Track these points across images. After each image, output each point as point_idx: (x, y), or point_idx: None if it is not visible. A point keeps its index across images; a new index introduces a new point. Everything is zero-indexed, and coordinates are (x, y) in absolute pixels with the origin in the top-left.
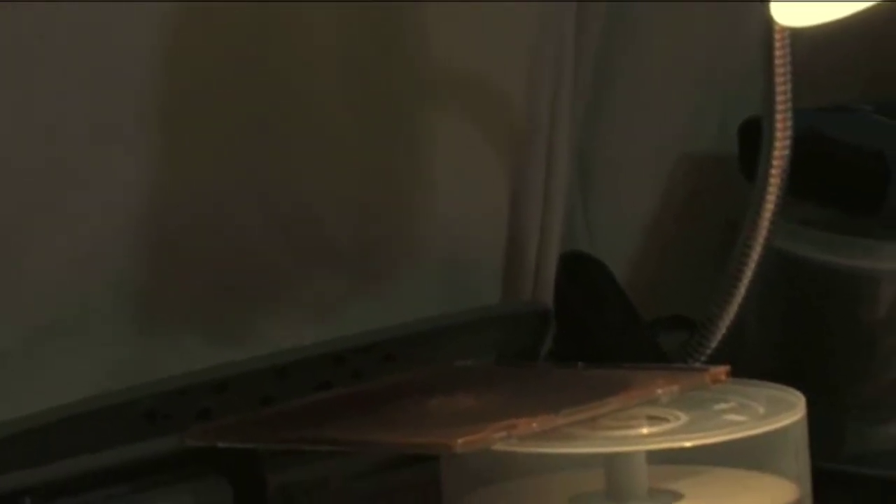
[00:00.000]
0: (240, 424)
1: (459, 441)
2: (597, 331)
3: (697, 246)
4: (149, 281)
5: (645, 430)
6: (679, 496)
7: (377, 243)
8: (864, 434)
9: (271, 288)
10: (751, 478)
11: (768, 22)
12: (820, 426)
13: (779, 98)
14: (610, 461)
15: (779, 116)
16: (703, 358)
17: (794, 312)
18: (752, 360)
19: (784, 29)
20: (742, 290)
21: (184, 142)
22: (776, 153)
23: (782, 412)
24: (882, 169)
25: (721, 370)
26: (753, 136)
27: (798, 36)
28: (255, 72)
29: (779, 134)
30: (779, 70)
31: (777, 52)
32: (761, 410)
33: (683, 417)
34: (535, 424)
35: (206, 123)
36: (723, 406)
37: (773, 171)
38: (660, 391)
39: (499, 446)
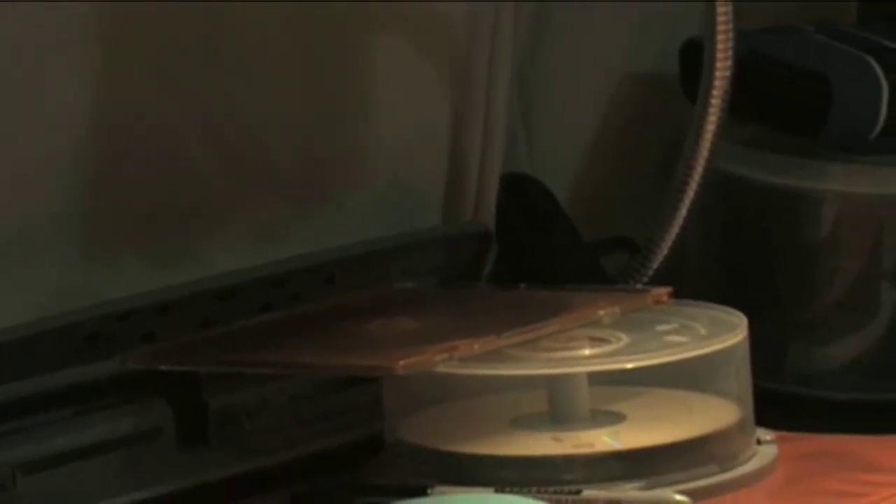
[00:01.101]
0: (181, 347)
1: (401, 363)
2: (538, 252)
3: (639, 167)
4: (91, 204)
5: (587, 352)
6: (621, 417)
7: (318, 166)
8: (806, 355)
9: (213, 211)
10: (693, 399)
11: None
12: (762, 347)
13: (720, 19)
14: (552, 383)
15: (720, 37)
16: (644, 279)
17: (737, 233)
18: (695, 281)
19: None
20: (684, 210)
21: (126, 65)
22: (717, 74)
23: (724, 333)
24: (824, 90)
25: (663, 291)
26: (695, 57)
27: None
28: None
29: (720, 55)
30: None
31: None
32: (703, 331)
33: (625, 339)
34: (476, 346)
35: (149, 47)
36: (665, 327)
37: (715, 93)
38: (601, 312)
39: (440, 368)
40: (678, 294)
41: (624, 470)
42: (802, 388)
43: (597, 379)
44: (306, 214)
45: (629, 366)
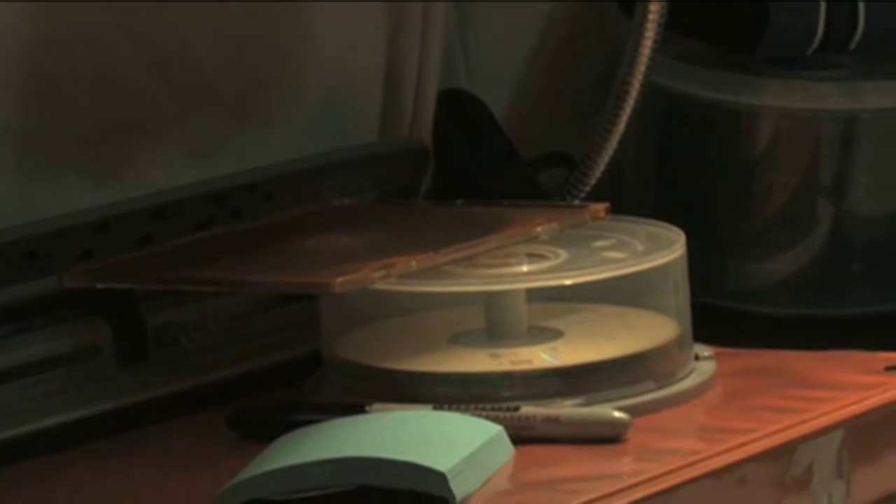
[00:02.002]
0: (119, 265)
1: (338, 280)
2: (476, 169)
3: (576, 82)
4: (27, 122)
5: (524, 268)
6: (559, 334)
7: (255, 82)
8: (743, 270)
9: (150, 128)
10: (631, 315)
11: None
12: (700, 263)
13: None
14: (489, 299)
15: None
16: (582, 195)
17: (674, 149)
18: (632, 196)
19: None
20: (621, 126)
21: None
22: None
23: (662, 249)
24: (760, 5)
25: (600, 207)
26: None
27: None
28: None
29: None
30: None
31: None
32: (641, 248)
33: (563, 255)
34: (414, 263)
35: None
36: (602, 243)
37: (652, 8)
38: (539, 229)
39: (378, 285)
40: (616, 210)
41: (562, 386)
42: (740, 303)
43: (535, 295)
44: (243, 131)
45: (567, 282)
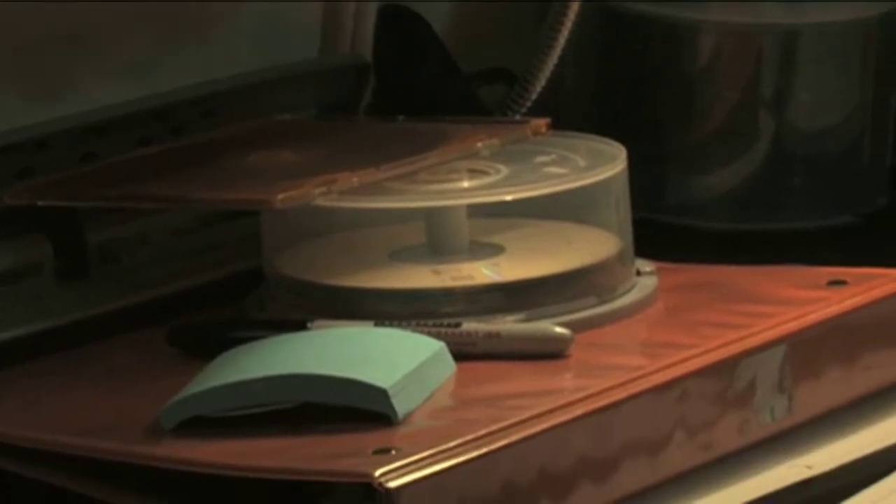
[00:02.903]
0: (59, 182)
1: (280, 197)
2: (416, 84)
3: None
4: None
5: (465, 184)
6: (500, 249)
7: None
8: (684, 184)
9: (89, 43)
10: (572, 230)
11: None
12: (641, 177)
13: None
14: (430, 215)
15: None
16: (523, 110)
17: (615, 64)
18: (573, 111)
19: None
20: (562, 41)
21: None
22: None
23: (603, 164)
24: None
25: (541, 122)
26: None
27: None
28: None
29: None
30: None
31: None
32: (582, 163)
33: (504, 171)
34: (355, 179)
35: None
36: (544, 159)
37: None
38: (480, 144)
39: (319, 201)
40: (557, 125)
41: (504, 302)
42: (682, 218)
43: (476, 211)
44: (182, 47)
45: (508, 198)
